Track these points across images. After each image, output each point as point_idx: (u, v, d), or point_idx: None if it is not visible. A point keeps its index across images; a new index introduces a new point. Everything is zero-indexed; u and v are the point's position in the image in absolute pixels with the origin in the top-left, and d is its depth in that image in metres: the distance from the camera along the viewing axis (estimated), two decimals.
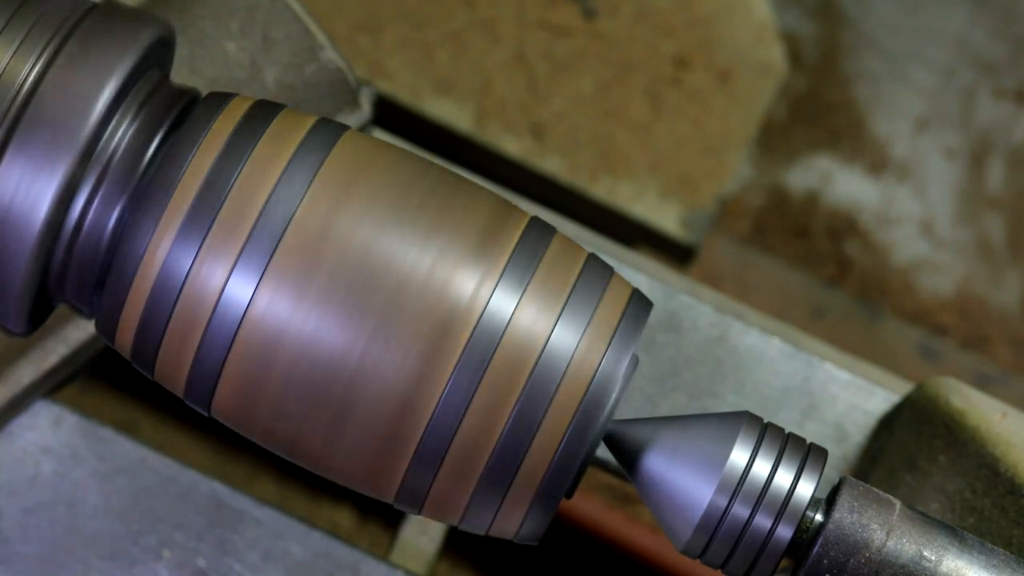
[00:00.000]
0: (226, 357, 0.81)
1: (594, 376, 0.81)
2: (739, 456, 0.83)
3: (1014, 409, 1.10)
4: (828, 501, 0.84)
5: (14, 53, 0.81)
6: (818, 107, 1.98)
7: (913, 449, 1.13)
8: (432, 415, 0.80)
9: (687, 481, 0.83)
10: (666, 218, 1.63)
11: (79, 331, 1.13)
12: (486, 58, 1.62)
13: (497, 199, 0.84)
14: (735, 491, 0.82)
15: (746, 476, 0.83)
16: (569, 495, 0.84)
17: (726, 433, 0.84)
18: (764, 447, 0.83)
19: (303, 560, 1.10)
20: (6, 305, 0.83)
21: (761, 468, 0.83)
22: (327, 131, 0.83)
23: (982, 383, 1.89)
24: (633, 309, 0.83)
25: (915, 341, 1.92)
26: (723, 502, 0.82)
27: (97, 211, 0.82)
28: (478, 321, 0.80)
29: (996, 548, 0.84)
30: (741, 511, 0.83)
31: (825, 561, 0.82)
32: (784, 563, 0.84)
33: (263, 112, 0.84)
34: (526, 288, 0.81)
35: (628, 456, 0.85)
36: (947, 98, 2.01)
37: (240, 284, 0.80)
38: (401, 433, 0.81)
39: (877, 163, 1.97)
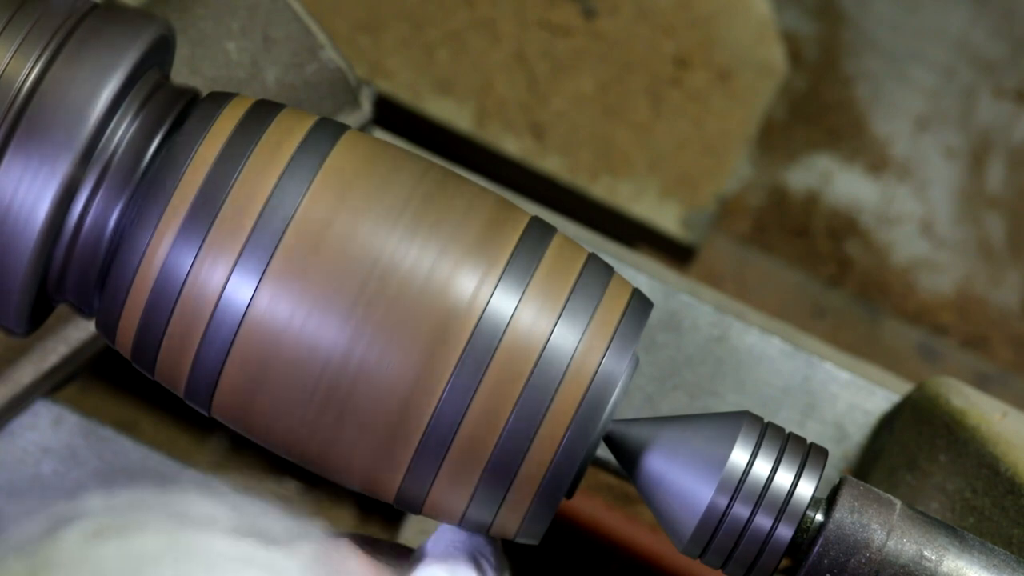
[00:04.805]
0: (226, 357, 0.81)
1: (594, 376, 0.81)
2: (739, 456, 0.83)
3: (1014, 409, 1.10)
4: (828, 501, 0.84)
5: (14, 53, 0.81)
6: (818, 107, 1.98)
7: (913, 449, 1.13)
8: (432, 415, 0.80)
9: (687, 481, 0.83)
10: (666, 218, 1.62)
11: (79, 331, 1.13)
12: (486, 58, 1.62)
13: (497, 199, 0.84)
14: (735, 491, 0.82)
15: (746, 476, 0.83)
16: (569, 495, 0.84)
17: (726, 433, 0.84)
18: (764, 447, 0.83)
19: None
20: (6, 305, 0.83)
21: (761, 468, 0.83)
22: (327, 131, 0.83)
23: (982, 383, 1.89)
24: (633, 309, 0.83)
25: (915, 341, 1.92)
26: (723, 502, 0.82)
27: (97, 211, 0.82)
28: (478, 321, 0.80)
29: (996, 548, 0.84)
30: (741, 511, 0.83)
31: (825, 561, 0.82)
32: (784, 563, 0.84)
33: (263, 112, 0.84)
34: (526, 288, 0.81)
35: (628, 456, 0.85)
36: (947, 98, 2.01)
37: (240, 284, 0.80)
38: (401, 433, 0.81)
39: (877, 163, 1.97)
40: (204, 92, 0.87)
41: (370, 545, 0.85)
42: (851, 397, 1.20)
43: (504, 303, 0.81)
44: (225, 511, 0.71)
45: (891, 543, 0.82)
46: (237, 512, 0.72)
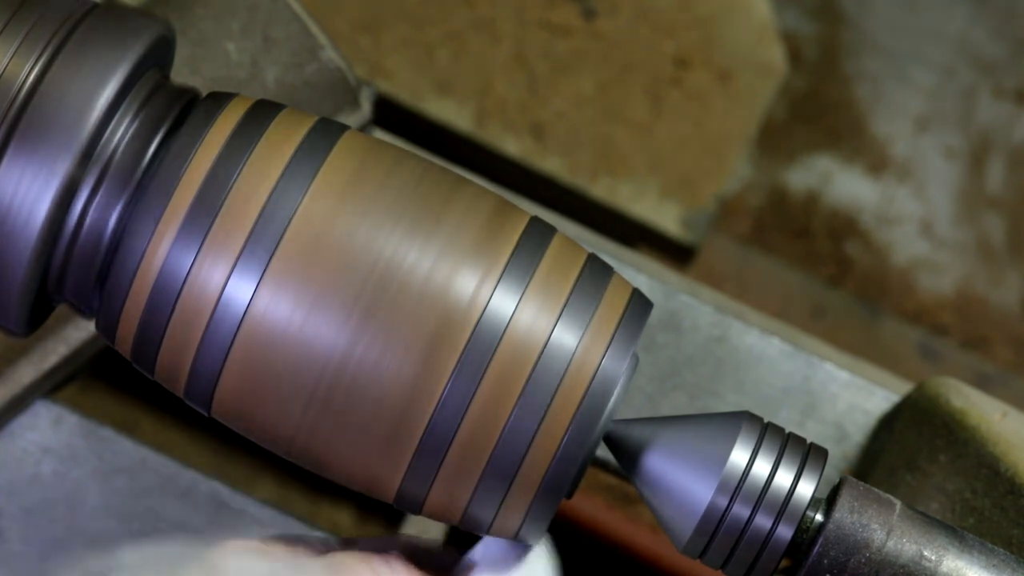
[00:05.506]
0: (226, 357, 0.81)
1: (594, 376, 0.81)
2: (739, 456, 0.83)
3: (1014, 409, 1.10)
4: (828, 501, 0.84)
5: (14, 53, 0.81)
6: (818, 107, 1.98)
7: (913, 449, 1.13)
8: (432, 415, 0.80)
9: (687, 481, 0.83)
10: (666, 218, 1.63)
11: (79, 331, 1.13)
12: (486, 58, 1.62)
13: (497, 199, 0.84)
14: (735, 491, 0.82)
15: (746, 476, 0.83)
16: (569, 495, 0.84)
17: (726, 433, 0.84)
18: (764, 447, 0.83)
19: None
20: (6, 305, 0.83)
21: (761, 468, 0.83)
22: (327, 131, 0.83)
23: (982, 383, 1.89)
24: (633, 309, 0.83)
25: (915, 341, 1.92)
26: (723, 502, 0.82)
27: (97, 211, 0.82)
28: (478, 321, 0.80)
29: (996, 548, 0.84)
30: (741, 511, 0.83)
31: (825, 561, 0.82)
32: (784, 563, 0.84)
33: (263, 112, 0.84)
34: (526, 288, 0.81)
35: (628, 456, 0.85)
36: (947, 98, 2.01)
37: (240, 284, 0.80)
38: (401, 433, 0.81)
39: (877, 163, 1.97)
40: (204, 92, 0.87)
41: (419, 555, 0.85)
42: (851, 397, 1.20)
43: (504, 303, 0.81)
44: (261, 566, 0.71)
45: (891, 543, 0.82)
46: (273, 564, 0.72)
